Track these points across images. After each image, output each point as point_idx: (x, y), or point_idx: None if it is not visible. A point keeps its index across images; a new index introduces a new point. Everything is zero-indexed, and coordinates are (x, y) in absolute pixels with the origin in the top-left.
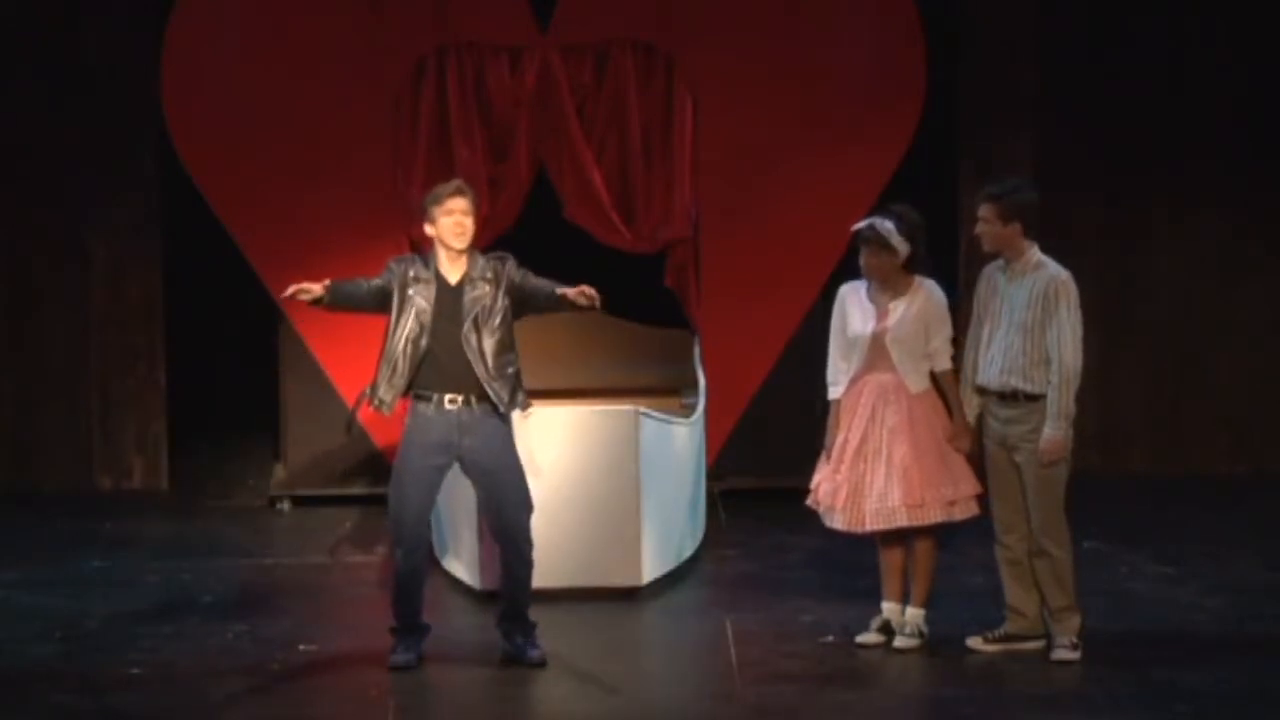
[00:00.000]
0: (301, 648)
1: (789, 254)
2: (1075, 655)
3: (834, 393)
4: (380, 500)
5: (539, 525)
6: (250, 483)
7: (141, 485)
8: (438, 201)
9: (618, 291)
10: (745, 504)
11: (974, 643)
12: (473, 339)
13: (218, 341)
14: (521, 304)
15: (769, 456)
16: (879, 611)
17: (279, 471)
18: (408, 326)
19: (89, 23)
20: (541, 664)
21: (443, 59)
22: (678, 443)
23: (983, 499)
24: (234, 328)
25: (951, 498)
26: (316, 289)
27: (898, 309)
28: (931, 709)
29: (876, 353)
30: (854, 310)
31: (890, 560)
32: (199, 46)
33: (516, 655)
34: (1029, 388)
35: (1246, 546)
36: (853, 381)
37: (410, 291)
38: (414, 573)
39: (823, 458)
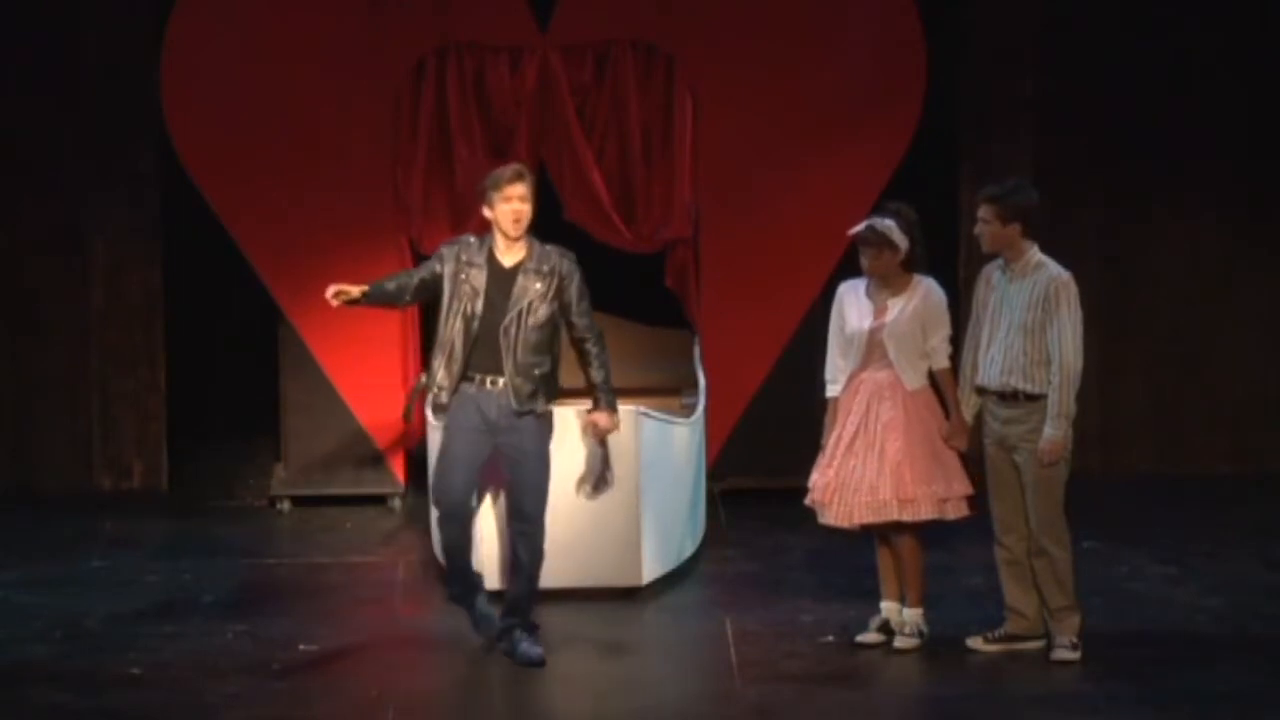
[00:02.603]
0: (301, 648)
1: (789, 254)
2: (1075, 655)
3: (832, 390)
4: (380, 500)
5: None
6: (250, 483)
7: (141, 485)
8: (497, 186)
9: (618, 291)
10: (745, 504)
11: (974, 643)
12: (511, 331)
13: (218, 341)
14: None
15: (769, 456)
16: (879, 611)
17: (279, 471)
18: (461, 312)
19: (89, 23)
20: (541, 663)
21: (443, 59)
22: (678, 443)
23: (974, 500)
24: (234, 328)
25: (944, 495)
26: (354, 292)
27: (896, 306)
28: (931, 709)
29: (873, 349)
30: (851, 308)
31: (887, 559)
32: (199, 46)
33: (517, 655)
34: (1030, 388)
35: (1246, 546)
36: (850, 379)
37: (462, 276)
38: (458, 542)
39: (820, 455)
